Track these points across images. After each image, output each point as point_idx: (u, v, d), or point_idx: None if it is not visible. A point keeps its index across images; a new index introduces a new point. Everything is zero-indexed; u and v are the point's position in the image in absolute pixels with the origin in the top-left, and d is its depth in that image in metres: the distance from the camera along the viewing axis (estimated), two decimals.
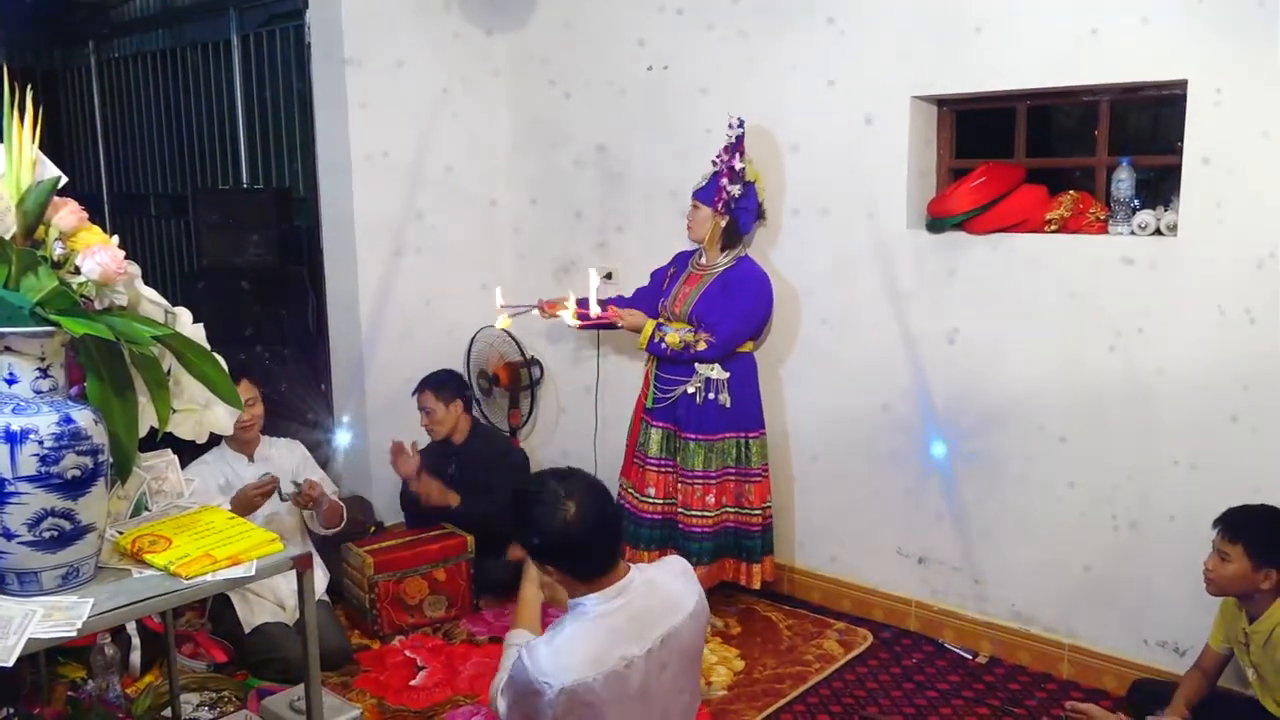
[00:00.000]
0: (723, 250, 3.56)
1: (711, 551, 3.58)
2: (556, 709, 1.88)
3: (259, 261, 4.81)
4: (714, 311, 3.49)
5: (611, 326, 3.65)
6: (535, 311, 3.62)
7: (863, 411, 3.64)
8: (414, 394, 3.92)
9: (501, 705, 2.04)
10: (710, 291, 3.53)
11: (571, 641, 1.94)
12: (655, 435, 3.62)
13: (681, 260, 3.73)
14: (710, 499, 3.55)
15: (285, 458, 3.55)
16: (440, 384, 3.92)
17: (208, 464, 3.37)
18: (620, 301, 3.77)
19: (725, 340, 3.48)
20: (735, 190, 3.48)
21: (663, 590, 2.04)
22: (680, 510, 3.58)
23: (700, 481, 3.54)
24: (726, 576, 3.67)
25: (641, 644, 1.95)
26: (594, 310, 3.29)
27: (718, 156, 3.50)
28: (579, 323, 3.41)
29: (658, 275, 3.81)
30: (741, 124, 3.45)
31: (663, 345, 3.51)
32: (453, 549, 3.72)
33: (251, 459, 3.46)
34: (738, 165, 3.47)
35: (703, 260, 3.62)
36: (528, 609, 2.27)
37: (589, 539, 1.96)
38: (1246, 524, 2.57)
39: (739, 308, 3.49)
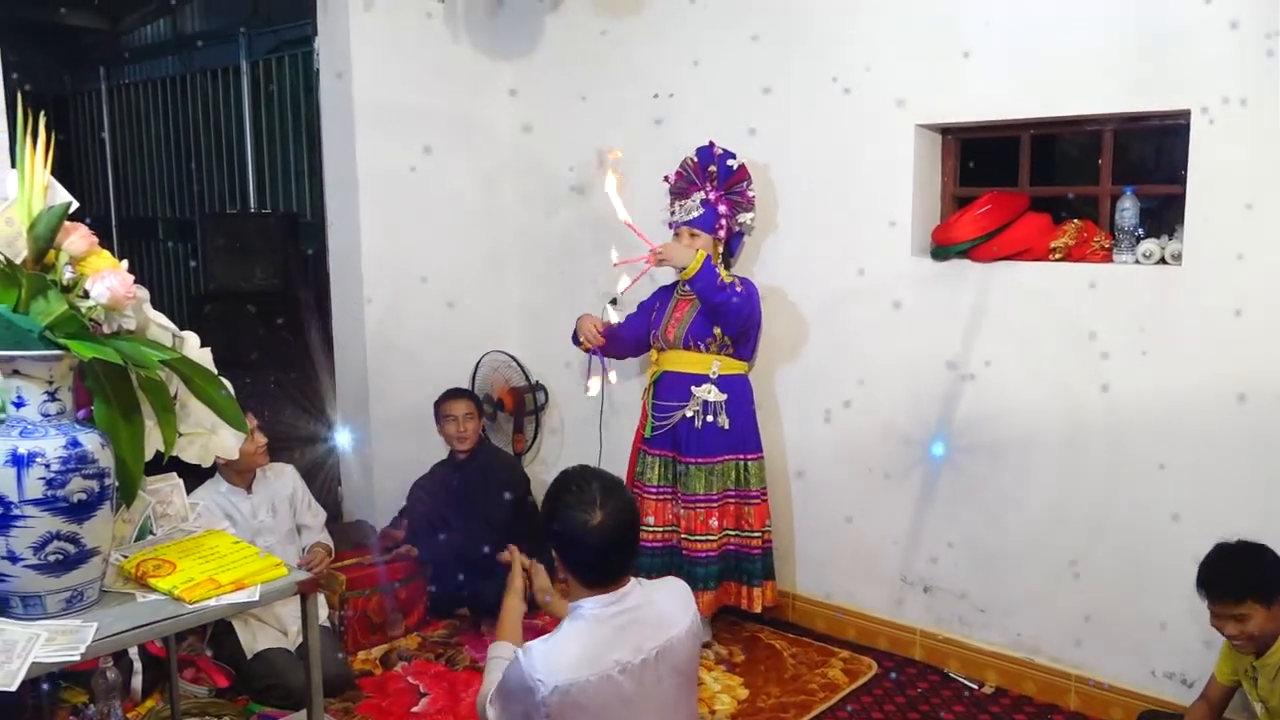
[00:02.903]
0: None
1: (716, 576, 3.57)
2: (550, 708, 1.90)
3: (266, 286, 4.83)
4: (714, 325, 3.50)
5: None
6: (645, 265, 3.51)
7: (865, 438, 3.64)
8: (452, 399, 3.96)
9: (492, 713, 2.04)
10: (704, 312, 3.53)
11: (566, 641, 1.96)
12: (653, 463, 3.62)
13: (664, 294, 3.73)
14: (713, 522, 3.54)
15: (279, 485, 3.52)
16: (479, 400, 4.07)
17: (202, 499, 3.32)
18: (610, 330, 3.68)
19: (748, 297, 3.43)
20: (748, 218, 3.57)
21: (659, 606, 2.06)
22: (684, 536, 3.57)
23: (702, 505, 3.54)
24: (729, 601, 3.66)
25: (636, 653, 1.97)
26: (623, 216, 3.29)
27: (705, 189, 3.52)
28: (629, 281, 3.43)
29: (644, 307, 3.78)
30: (733, 155, 3.53)
31: (716, 271, 3.41)
32: (411, 567, 3.84)
33: (250, 490, 3.44)
34: (750, 193, 3.56)
35: (687, 286, 3.62)
36: (509, 621, 2.30)
37: (606, 548, 1.99)
38: (1234, 575, 2.55)
39: (748, 309, 3.49)
